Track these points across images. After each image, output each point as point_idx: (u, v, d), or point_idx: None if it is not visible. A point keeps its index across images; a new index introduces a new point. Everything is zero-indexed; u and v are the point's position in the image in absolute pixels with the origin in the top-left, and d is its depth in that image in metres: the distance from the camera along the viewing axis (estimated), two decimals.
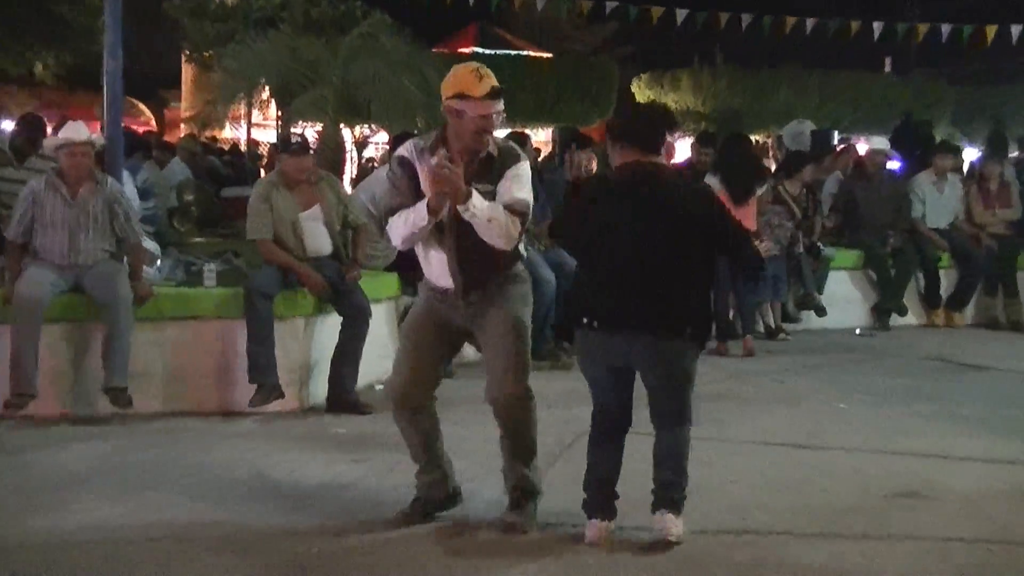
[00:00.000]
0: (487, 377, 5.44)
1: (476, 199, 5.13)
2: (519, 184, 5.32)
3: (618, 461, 5.44)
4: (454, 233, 5.33)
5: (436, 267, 5.47)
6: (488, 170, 5.33)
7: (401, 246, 5.51)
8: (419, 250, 5.51)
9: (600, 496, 5.40)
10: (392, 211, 5.42)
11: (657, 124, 5.37)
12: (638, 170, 5.28)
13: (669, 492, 5.32)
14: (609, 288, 5.24)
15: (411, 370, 5.51)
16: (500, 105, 5.30)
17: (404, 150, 5.47)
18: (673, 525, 5.29)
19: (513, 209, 5.26)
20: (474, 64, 5.35)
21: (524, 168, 5.38)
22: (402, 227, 5.33)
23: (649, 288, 5.16)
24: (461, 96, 5.24)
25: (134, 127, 20.25)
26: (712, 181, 10.27)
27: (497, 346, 5.39)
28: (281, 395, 7.83)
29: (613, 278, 5.24)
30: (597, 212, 5.33)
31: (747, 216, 10.40)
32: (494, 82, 5.28)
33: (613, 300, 5.22)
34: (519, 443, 5.60)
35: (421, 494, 5.75)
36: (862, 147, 15.91)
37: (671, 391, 5.33)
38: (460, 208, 5.13)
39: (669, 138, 5.37)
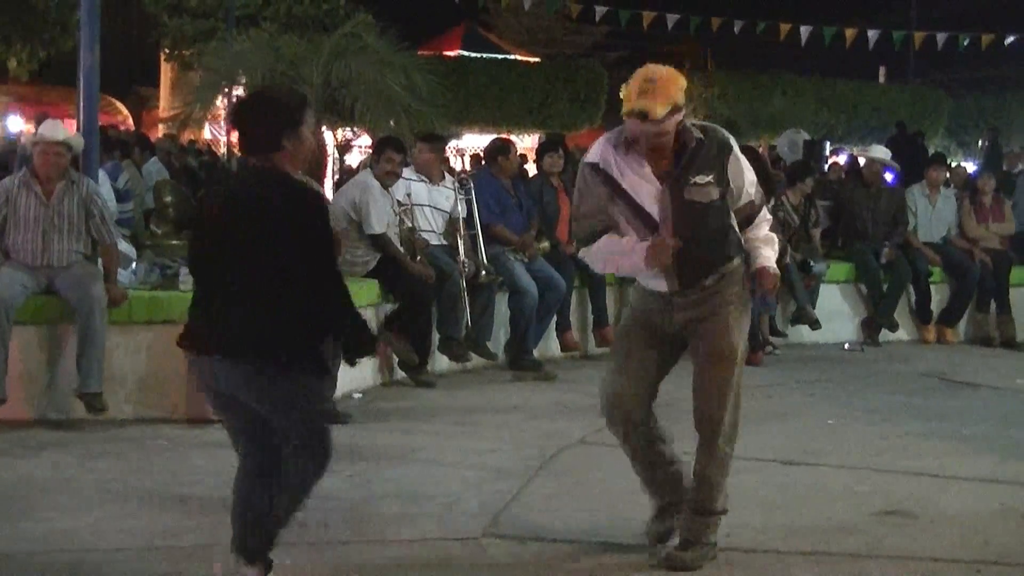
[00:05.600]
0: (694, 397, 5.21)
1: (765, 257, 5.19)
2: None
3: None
4: (671, 228, 5.02)
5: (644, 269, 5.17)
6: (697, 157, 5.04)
7: (600, 270, 5.67)
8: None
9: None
10: (585, 219, 5.17)
11: (263, 118, 4.48)
12: (240, 174, 4.70)
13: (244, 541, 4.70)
14: (203, 307, 4.57)
15: (622, 380, 5.20)
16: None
17: (595, 156, 5.11)
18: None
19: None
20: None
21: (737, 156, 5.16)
22: (607, 262, 5.30)
23: (236, 303, 4.42)
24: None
25: (113, 124, 20.05)
26: None
27: (706, 370, 5.14)
28: None
29: (206, 295, 4.58)
30: (201, 223, 4.71)
31: None
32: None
33: (204, 319, 4.53)
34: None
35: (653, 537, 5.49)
36: (842, 158, 15.90)
37: (263, 430, 4.59)
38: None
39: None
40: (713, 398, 5.12)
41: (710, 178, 4.99)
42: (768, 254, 5.18)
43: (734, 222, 5.14)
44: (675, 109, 4.82)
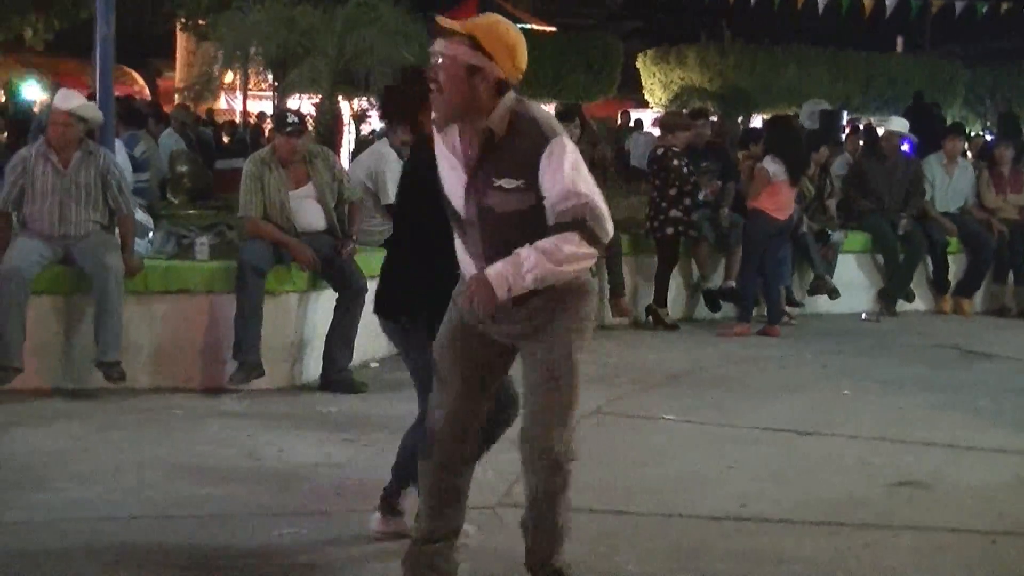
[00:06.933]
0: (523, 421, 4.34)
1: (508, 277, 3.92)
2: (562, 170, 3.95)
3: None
4: (479, 233, 4.13)
5: (467, 270, 4.27)
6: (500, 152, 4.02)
7: None
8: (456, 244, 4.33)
9: None
10: None
11: (399, 102, 5.17)
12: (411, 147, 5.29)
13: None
14: None
15: (454, 400, 4.36)
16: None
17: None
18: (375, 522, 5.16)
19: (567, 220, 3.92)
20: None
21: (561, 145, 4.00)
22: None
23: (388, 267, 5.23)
24: None
25: (130, 95, 20.05)
26: (770, 165, 10.15)
27: (539, 386, 4.22)
28: (262, 373, 7.72)
29: None
30: None
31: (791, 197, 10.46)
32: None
33: None
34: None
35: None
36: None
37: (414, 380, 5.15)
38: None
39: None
40: (546, 426, 4.18)
41: (519, 183, 3.96)
42: (502, 269, 3.91)
43: None
44: (467, 41, 3.90)
